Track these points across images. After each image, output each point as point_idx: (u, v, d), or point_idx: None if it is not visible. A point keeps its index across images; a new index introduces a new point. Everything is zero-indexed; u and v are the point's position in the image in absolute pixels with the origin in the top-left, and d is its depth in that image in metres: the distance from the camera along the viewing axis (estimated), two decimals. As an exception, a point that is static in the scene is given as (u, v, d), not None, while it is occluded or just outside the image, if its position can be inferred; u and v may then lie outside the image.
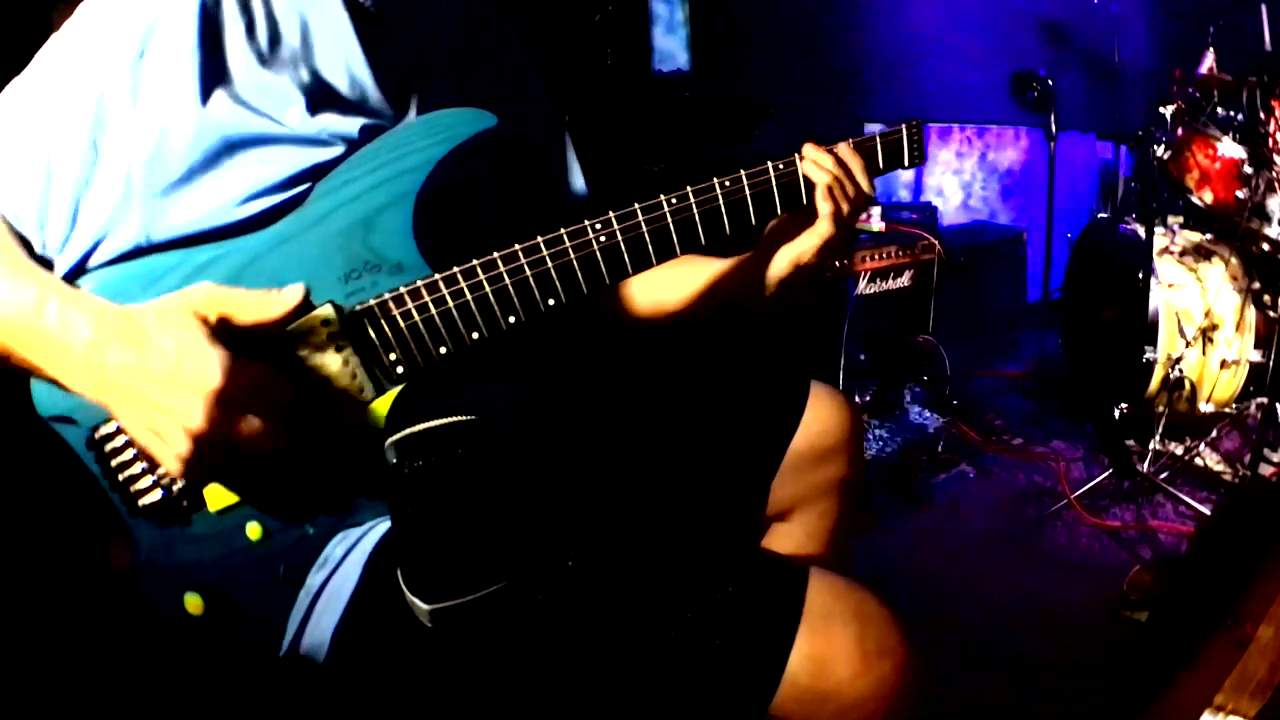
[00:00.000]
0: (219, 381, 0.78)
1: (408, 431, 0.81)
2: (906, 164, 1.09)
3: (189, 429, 0.78)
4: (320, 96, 0.95)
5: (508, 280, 0.92)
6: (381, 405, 0.90)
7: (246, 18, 0.92)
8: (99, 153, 0.88)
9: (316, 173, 0.93)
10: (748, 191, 1.01)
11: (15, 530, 1.11)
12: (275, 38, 0.93)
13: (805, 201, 1.04)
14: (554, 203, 1.22)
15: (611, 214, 0.96)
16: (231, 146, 0.90)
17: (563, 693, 0.88)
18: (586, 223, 0.94)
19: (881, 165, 1.08)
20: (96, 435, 0.89)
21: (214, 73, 0.90)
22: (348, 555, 0.91)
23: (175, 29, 0.89)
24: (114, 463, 0.89)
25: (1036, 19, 4.01)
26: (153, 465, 0.89)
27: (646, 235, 0.96)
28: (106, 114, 0.88)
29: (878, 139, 1.08)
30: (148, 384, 0.79)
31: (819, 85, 3.88)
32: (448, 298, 0.90)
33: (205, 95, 0.89)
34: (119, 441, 0.89)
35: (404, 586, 0.83)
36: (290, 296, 0.82)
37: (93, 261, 0.90)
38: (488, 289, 0.91)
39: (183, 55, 0.89)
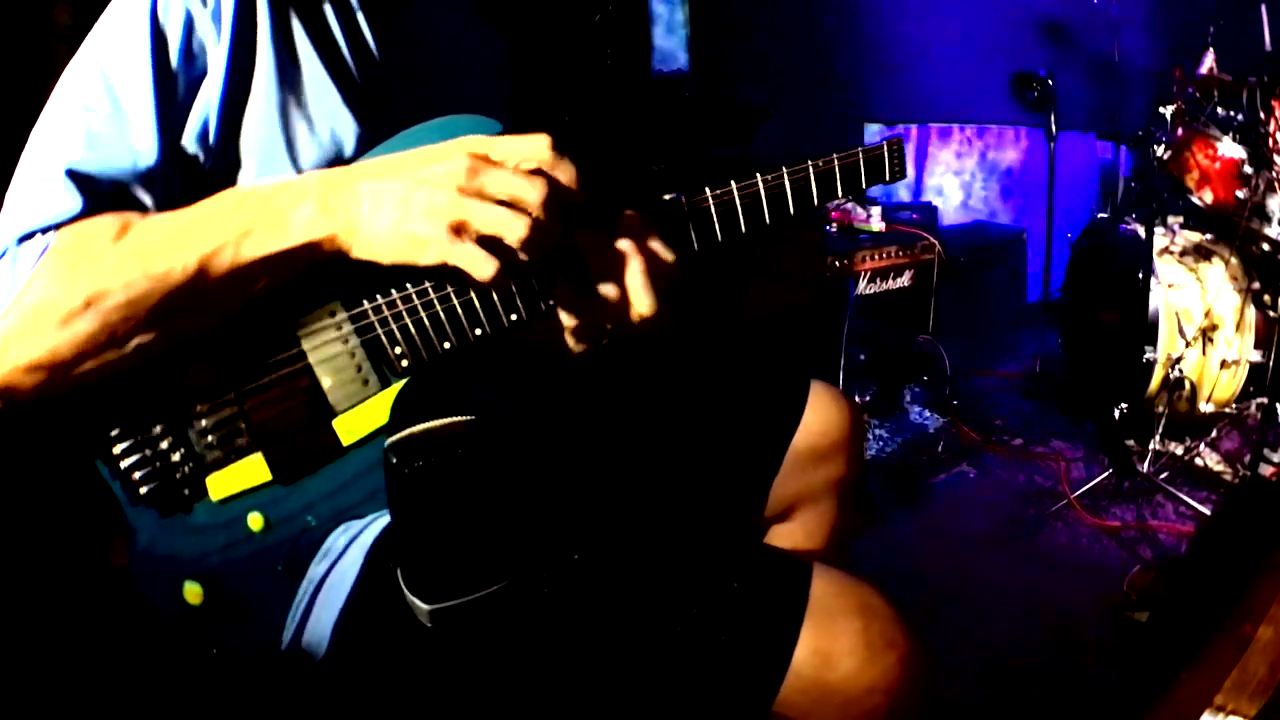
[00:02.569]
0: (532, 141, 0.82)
1: (408, 432, 0.81)
2: (887, 179, 1.09)
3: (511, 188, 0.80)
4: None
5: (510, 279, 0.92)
6: (385, 400, 0.91)
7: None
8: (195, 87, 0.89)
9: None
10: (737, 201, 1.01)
11: (15, 519, 1.12)
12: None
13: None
14: None
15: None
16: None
17: (569, 687, 0.89)
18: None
19: (864, 182, 1.09)
20: (99, 426, 0.89)
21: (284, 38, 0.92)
22: (349, 547, 0.92)
23: None
24: (116, 450, 0.90)
25: (1036, 19, 4.01)
26: (154, 452, 0.89)
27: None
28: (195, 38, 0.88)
29: (860, 153, 1.08)
30: (421, 168, 0.81)
31: (819, 85, 3.88)
32: (453, 294, 0.92)
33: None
34: (123, 428, 0.89)
35: (404, 586, 0.83)
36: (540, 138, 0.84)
37: None
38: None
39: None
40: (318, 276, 0.87)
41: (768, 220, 1.02)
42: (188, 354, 0.88)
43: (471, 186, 0.80)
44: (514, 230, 0.80)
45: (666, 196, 0.98)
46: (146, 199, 0.87)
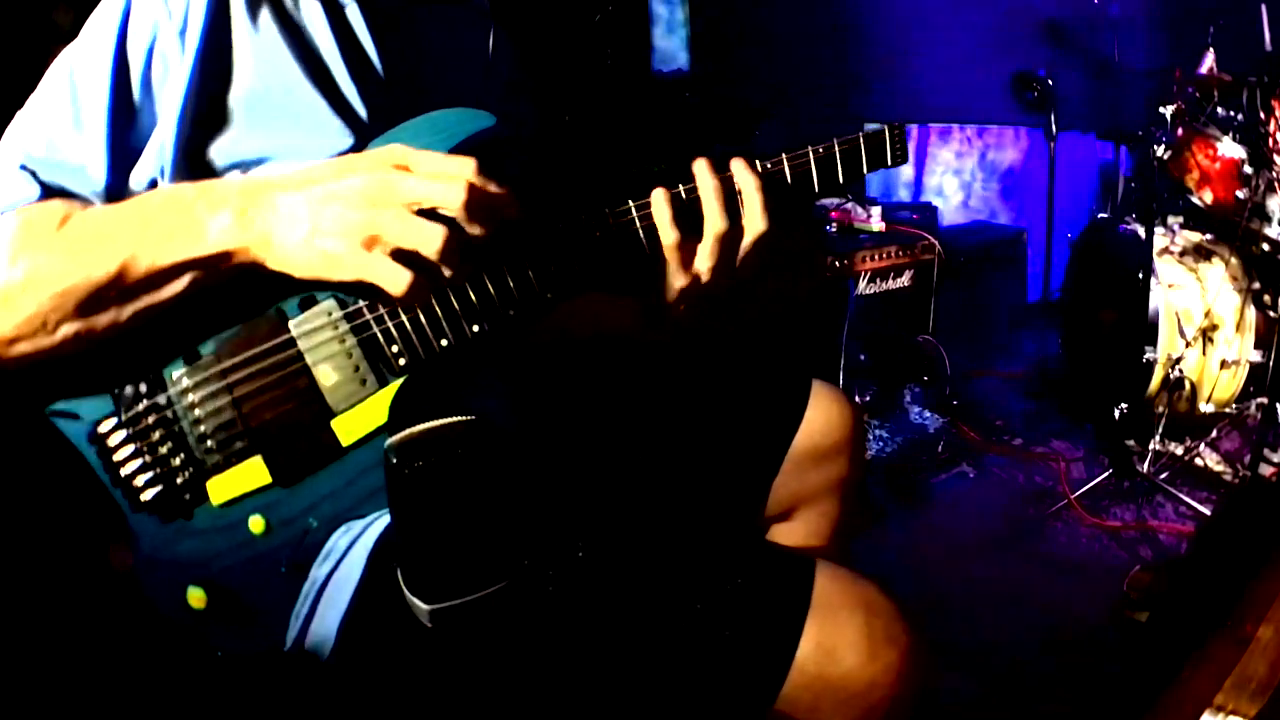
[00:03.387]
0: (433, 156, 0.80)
1: (407, 432, 0.81)
2: (889, 163, 1.08)
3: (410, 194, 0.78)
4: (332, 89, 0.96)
5: (507, 273, 0.92)
6: (384, 399, 0.90)
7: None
8: (155, 105, 0.89)
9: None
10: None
11: (17, 527, 1.12)
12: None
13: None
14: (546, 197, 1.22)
15: (606, 210, 0.95)
16: (268, 110, 0.91)
17: (573, 685, 0.89)
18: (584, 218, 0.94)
19: (865, 167, 1.08)
20: (99, 429, 0.90)
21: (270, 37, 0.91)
22: (352, 547, 0.92)
23: None
24: (116, 457, 0.90)
25: (1036, 19, 4.01)
26: (154, 458, 0.89)
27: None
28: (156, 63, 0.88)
29: (860, 138, 1.07)
30: (334, 181, 0.79)
31: (819, 85, 3.88)
32: (450, 291, 0.91)
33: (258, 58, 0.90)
34: (122, 435, 0.90)
35: (404, 586, 0.83)
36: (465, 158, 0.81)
37: None
38: (488, 282, 0.91)
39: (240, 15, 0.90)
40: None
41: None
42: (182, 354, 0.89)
43: (385, 197, 0.78)
44: (431, 242, 0.78)
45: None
46: (97, 203, 0.88)
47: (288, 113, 0.92)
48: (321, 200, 0.79)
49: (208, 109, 0.89)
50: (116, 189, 0.88)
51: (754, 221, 0.95)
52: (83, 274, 0.81)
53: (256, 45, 0.91)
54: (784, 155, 1.00)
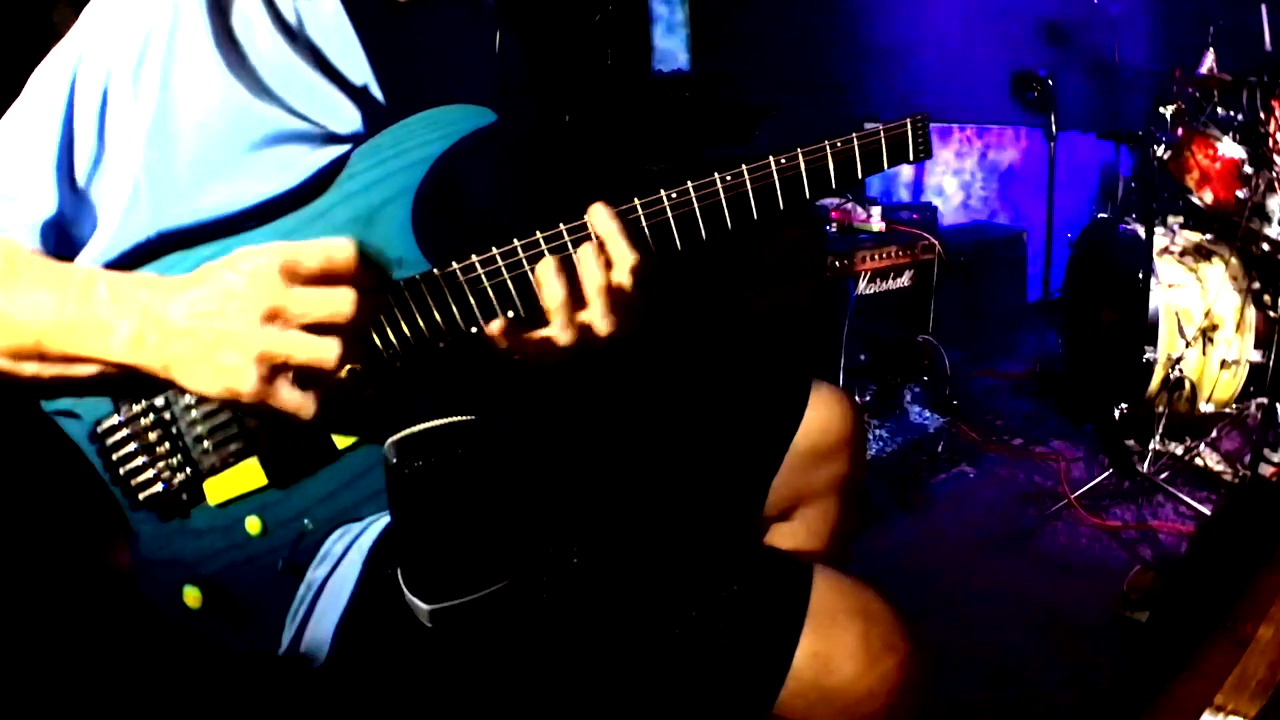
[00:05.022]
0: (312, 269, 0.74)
1: (408, 432, 0.81)
2: (911, 159, 1.06)
3: (290, 341, 0.74)
4: (328, 91, 0.96)
5: (506, 275, 0.91)
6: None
7: (258, 11, 0.93)
8: (105, 144, 0.89)
9: (325, 172, 0.93)
10: (749, 186, 0.99)
11: (15, 524, 1.12)
12: (285, 29, 0.94)
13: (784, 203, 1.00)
14: (547, 197, 1.22)
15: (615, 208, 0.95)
16: (244, 140, 0.91)
17: (567, 690, 0.89)
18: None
19: (886, 162, 1.05)
20: (99, 429, 0.90)
21: (232, 61, 0.91)
22: (348, 551, 0.92)
23: (188, 20, 0.90)
24: (115, 456, 0.90)
25: (1036, 19, 4.01)
26: (152, 458, 0.90)
27: (646, 230, 0.96)
28: (111, 103, 0.89)
29: (881, 133, 1.04)
30: (223, 316, 0.74)
31: (819, 85, 3.88)
32: (447, 293, 0.90)
33: (219, 86, 0.90)
34: (121, 435, 0.90)
35: (404, 586, 0.83)
36: (346, 244, 0.77)
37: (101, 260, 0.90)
38: (486, 284, 0.91)
39: (199, 45, 0.90)
40: None
41: (781, 205, 0.98)
42: None
43: (275, 323, 0.74)
44: (327, 358, 0.75)
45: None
46: (31, 237, 0.88)
47: (263, 133, 0.92)
48: (214, 342, 0.75)
49: (172, 138, 0.90)
50: (60, 220, 0.89)
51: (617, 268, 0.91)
52: (12, 323, 0.79)
53: (216, 79, 0.91)
54: (799, 151, 0.97)
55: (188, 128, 0.90)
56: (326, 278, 0.76)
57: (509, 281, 0.91)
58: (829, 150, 0.98)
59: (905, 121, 1.02)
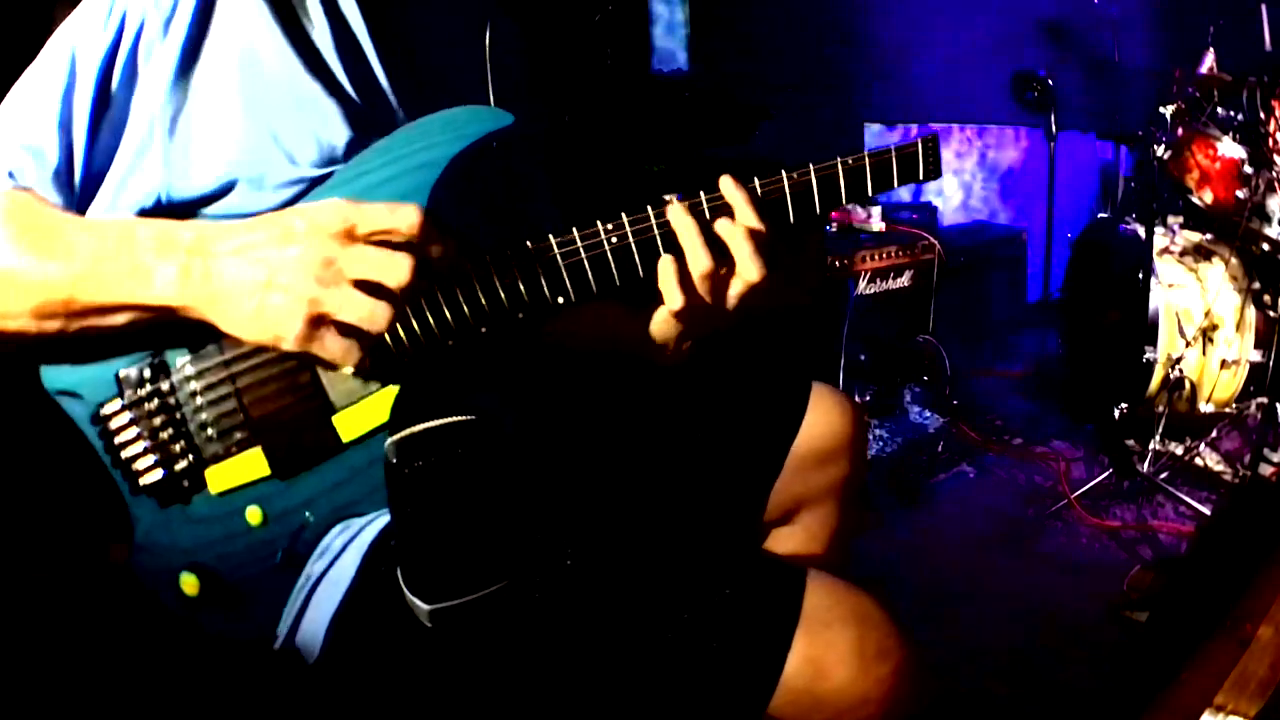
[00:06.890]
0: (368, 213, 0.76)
1: (408, 431, 0.81)
2: (921, 177, 1.06)
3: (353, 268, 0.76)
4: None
5: (518, 275, 0.92)
6: (386, 397, 0.90)
7: None
8: (115, 98, 0.88)
9: (333, 162, 0.93)
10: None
11: (15, 508, 1.12)
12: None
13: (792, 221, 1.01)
14: (555, 200, 1.22)
15: (624, 215, 0.94)
16: (270, 103, 0.91)
17: (559, 692, 0.88)
18: (599, 223, 0.93)
19: (895, 181, 1.06)
20: (101, 411, 0.90)
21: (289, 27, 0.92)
22: (347, 547, 0.92)
23: None
24: (117, 440, 0.90)
25: (1036, 19, 4.01)
26: (155, 443, 0.90)
27: (658, 239, 0.95)
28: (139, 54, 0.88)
29: (893, 153, 1.04)
30: (279, 260, 0.76)
31: (819, 85, 3.88)
32: (458, 293, 0.90)
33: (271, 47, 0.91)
34: (124, 419, 0.90)
35: (404, 586, 0.83)
36: (411, 209, 0.79)
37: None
38: (498, 284, 0.91)
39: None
40: None
41: (791, 219, 0.99)
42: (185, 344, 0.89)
43: (330, 275, 0.76)
44: (376, 320, 0.77)
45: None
46: (53, 191, 0.88)
47: (281, 100, 0.92)
48: (268, 276, 0.76)
49: (194, 89, 0.89)
50: (80, 176, 0.88)
51: (746, 269, 0.93)
52: (38, 280, 0.80)
53: (245, 32, 0.91)
54: (810, 166, 0.98)
55: (216, 81, 0.89)
56: (389, 240, 0.77)
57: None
58: (840, 166, 0.98)
59: (916, 143, 1.03)
